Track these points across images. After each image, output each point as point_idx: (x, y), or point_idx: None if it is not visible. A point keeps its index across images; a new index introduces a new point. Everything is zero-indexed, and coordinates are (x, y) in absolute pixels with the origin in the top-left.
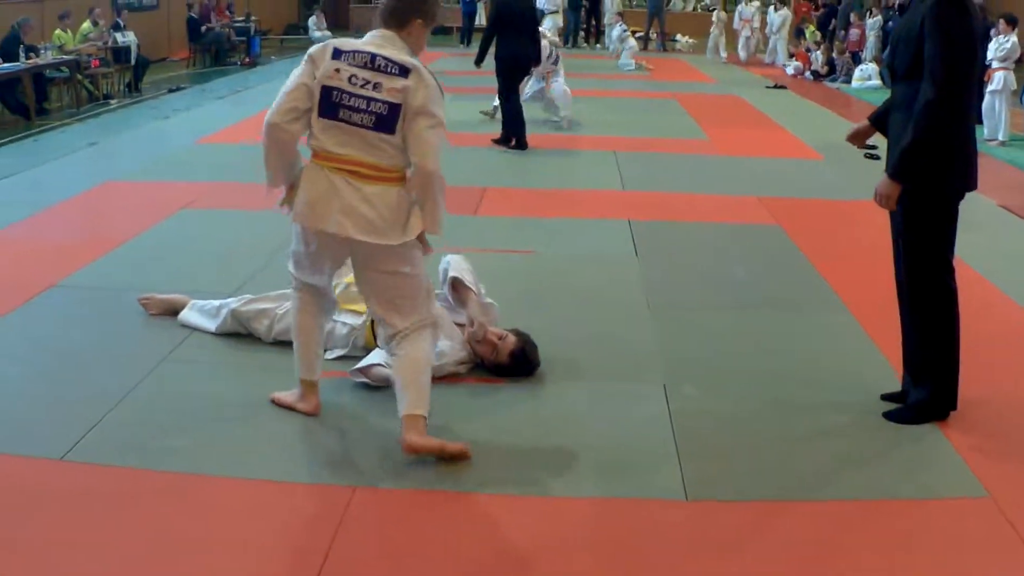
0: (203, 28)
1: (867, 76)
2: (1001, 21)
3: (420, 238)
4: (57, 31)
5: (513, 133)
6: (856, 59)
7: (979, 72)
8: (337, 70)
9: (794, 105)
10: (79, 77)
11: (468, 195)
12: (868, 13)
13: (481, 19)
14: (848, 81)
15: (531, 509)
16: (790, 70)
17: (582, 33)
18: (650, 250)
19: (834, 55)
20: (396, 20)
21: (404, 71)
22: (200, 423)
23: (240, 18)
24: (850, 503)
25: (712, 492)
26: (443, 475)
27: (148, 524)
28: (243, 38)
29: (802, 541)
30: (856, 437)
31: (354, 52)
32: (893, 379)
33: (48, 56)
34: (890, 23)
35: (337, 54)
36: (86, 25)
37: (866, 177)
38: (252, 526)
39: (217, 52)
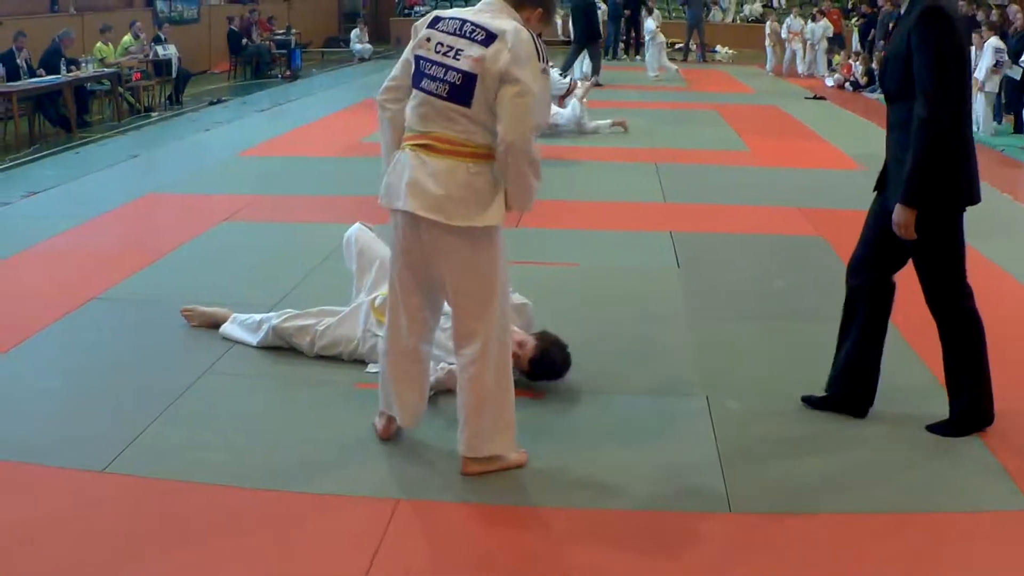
0: (244, 41)
1: None
2: None
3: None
4: (98, 44)
5: None
6: None
7: (969, 79)
8: (428, 39)
9: (834, 116)
10: (120, 90)
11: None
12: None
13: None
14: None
15: (575, 521)
16: (830, 81)
17: (622, 45)
18: (692, 262)
19: (873, 65)
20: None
21: (490, 38)
22: (242, 435)
23: (281, 31)
24: (891, 516)
25: (755, 504)
26: (486, 487)
27: (190, 536)
28: (284, 51)
29: (842, 552)
30: (896, 448)
31: (450, 19)
32: (935, 389)
33: (89, 69)
34: None
35: (435, 22)
36: (127, 38)
37: None
38: (294, 539)
39: (258, 65)
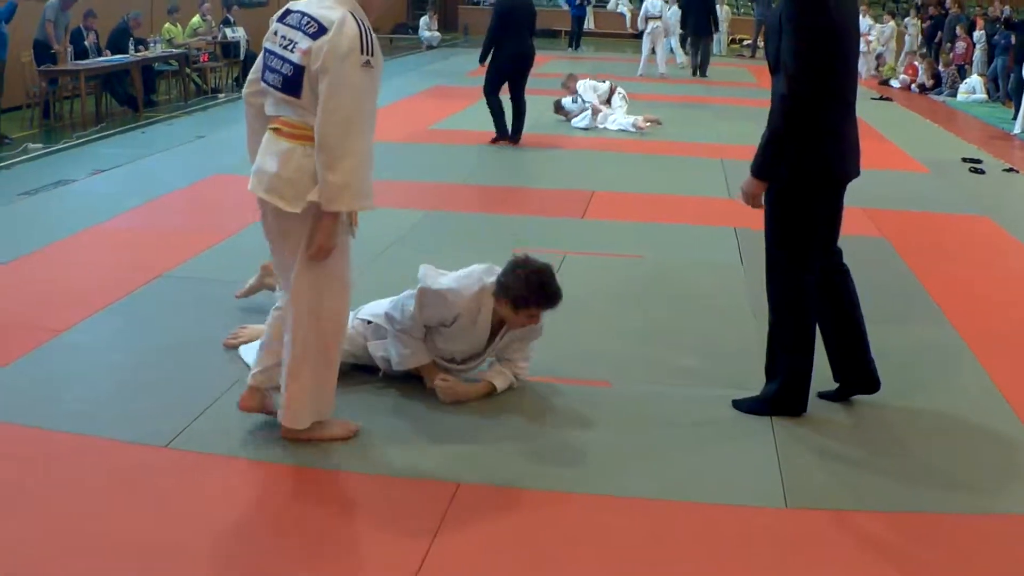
0: None
1: (972, 90)
2: None
3: (351, 217)
4: (167, 25)
5: (500, 128)
6: (961, 72)
7: (847, 59)
8: (275, 32)
9: (900, 117)
10: (187, 71)
11: (576, 198)
12: (973, 26)
13: (590, 23)
14: (953, 94)
15: (631, 511)
16: (896, 82)
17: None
18: (756, 258)
19: (940, 68)
20: None
21: (320, 31)
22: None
23: None
24: (946, 516)
25: (811, 500)
26: (542, 474)
27: (251, 511)
28: None
29: (896, 552)
30: (953, 450)
31: (294, 12)
32: (993, 392)
33: (157, 49)
34: (995, 36)
35: (284, 15)
36: (195, 19)
37: (972, 191)
38: (355, 518)
39: None
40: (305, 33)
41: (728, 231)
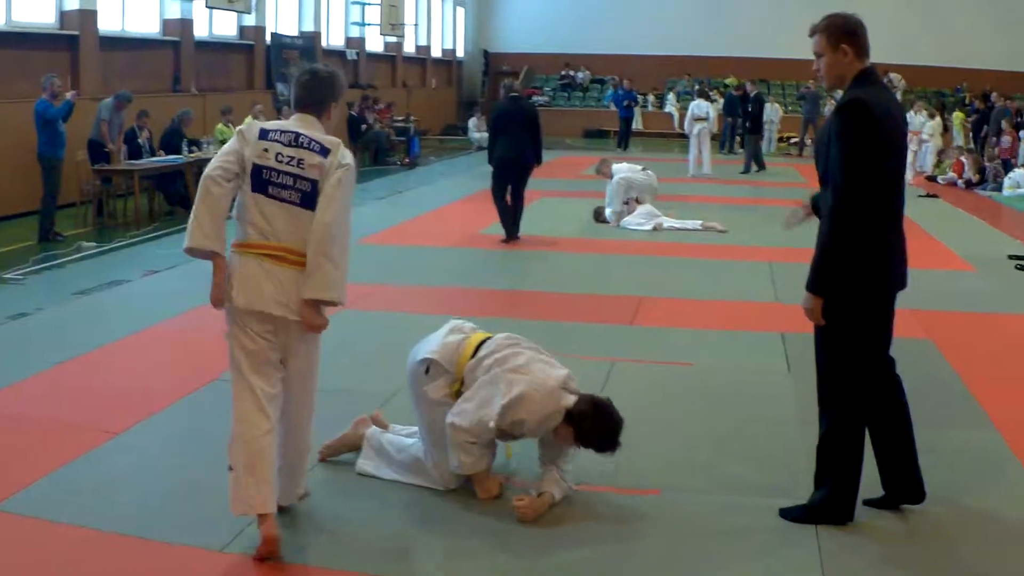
0: (363, 127)
1: (1017, 184)
2: None
3: (311, 308)
4: (219, 125)
5: (505, 228)
6: (1007, 166)
7: (895, 174)
8: (265, 149)
9: (946, 214)
10: None
11: (624, 304)
12: (1020, 119)
13: (638, 123)
14: (999, 189)
15: None
16: (942, 179)
17: (739, 139)
18: (803, 364)
19: (985, 162)
20: (316, 104)
21: (324, 151)
22: (354, 525)
23: (400, 118)
24: None
25: None
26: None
27: None
28: (403, 138)
29: None
30: (1001, 556)
31: (280, 131)
32: None
33: (210, 150)
34: None
35: (264, 133)
36: (248, 120)
37: (1019, 289)
38: None
39: (377, 151)
40: (313, 151)
41: (775, 337)
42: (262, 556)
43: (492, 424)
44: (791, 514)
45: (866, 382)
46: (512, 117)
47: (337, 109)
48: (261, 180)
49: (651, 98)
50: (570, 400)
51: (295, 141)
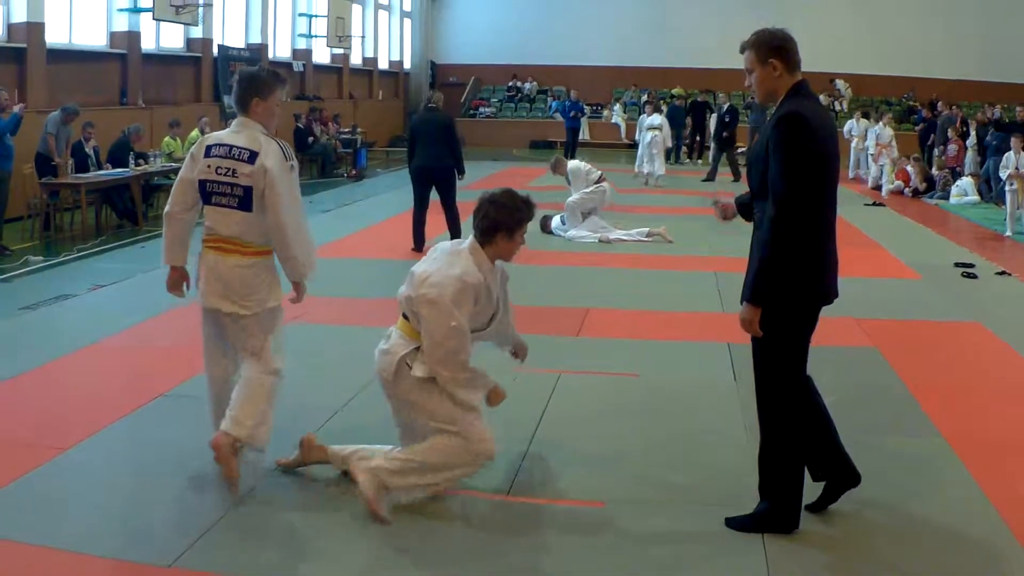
0: (310, 139)
1: (964, 192)
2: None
3: (296, 288)
4: (166, 138)
5: (415, 239)
6: (955, 175)
7: (830, 186)
8: (208, 165)
9: (892, 223)
10: None
11: (570, 316)
12: (966, 126)
13: (585, 134)
14: (946, 197)
15: None
16: (888, 187)
17: (685, 149)
18: (749, 374)
19: (933, 171)
20: (241, 105)
21: (252, 157)
22: (303, 538)
23: (347, 130)
24: None
25: None
26: None
27: None
28: (349, 150)
29: None
30: (944, 563)
31: (219, 145)
32: (984, 503)
33: (157, 163)
34: (987, 138)
35: (208, 151)
36: (195, 133)
37: (964, 296)
38: None
39: (324, 164)
40: (242, 161)
41: (722, 347)
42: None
43: (455, 327)
44: (737, 523)
45: (799, 390)
46: (428, 126)
47: (266, 105)
48: (206, 192)
49: (606, 111)
50: (465, 245)
51: (229, 153)
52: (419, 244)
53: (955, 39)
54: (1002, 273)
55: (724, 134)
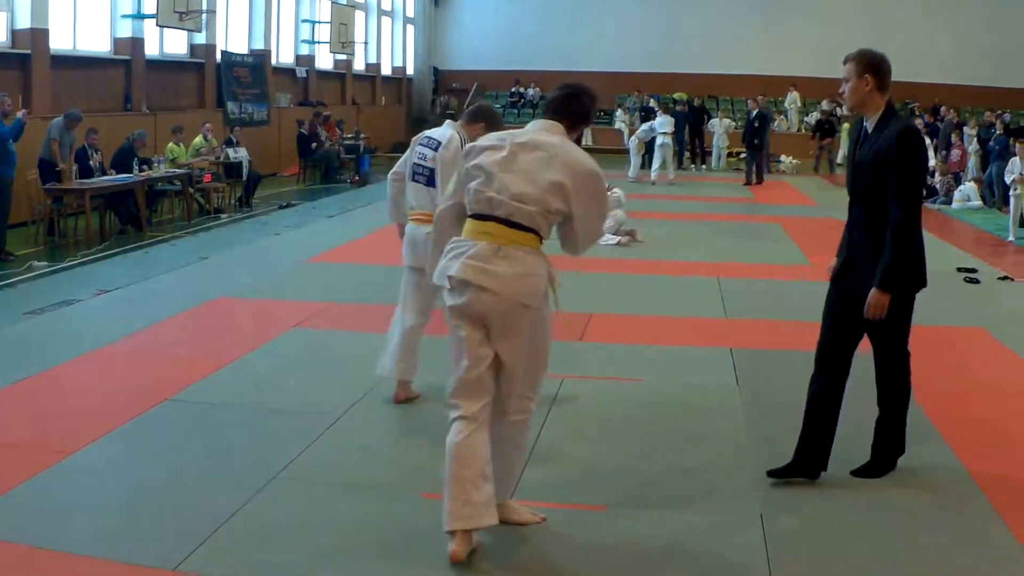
0: (313, 145)
1: (967, 197)
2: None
3: None
4: (170, 144)
5: None
6: (957, 180)
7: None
8: (414, 151)
9: None
10: (190, 190)
11: (573, 320)
12: (959, 134)
13: (588, 139)
14: (948, 202)
15: None
16: None
17: (687, 154)
18: (751, 379)
19: (936, 176)
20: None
21: (437, 145)
22: (308, 540)
23: (350, 135)
24: None
25: None
26: None
27: None
28: (352, 156)
29: None
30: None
31: (421, 137)
32: (994, 518)
33: (161, 169)
34: (990, 143)
35: (418, 142)
36: (198, 139)
37: (967, 301)
38: None
39: (327, 169)
40: (431, 148)
41: (724, 352)
42: None
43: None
44: (864, 472)
45: (908, 356)
46: None
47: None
48: (411, 170)
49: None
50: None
51: (427, 144)
52: None
53: (958, 44)
54: (1005, 278)
55: (755, 141)
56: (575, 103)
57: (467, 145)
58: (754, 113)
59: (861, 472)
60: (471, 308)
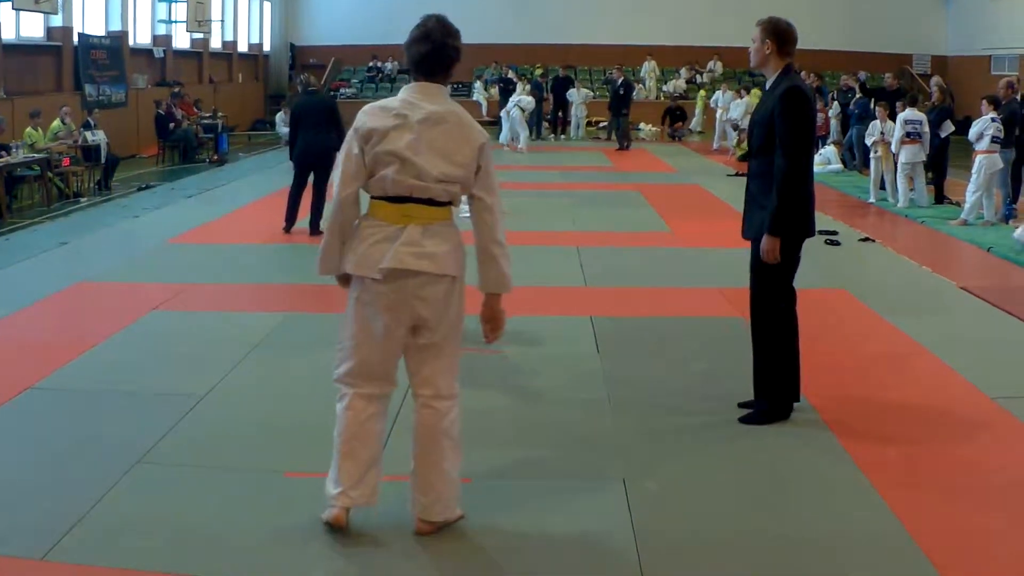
0: (171, 125)
1: (827, 160)
2: (983, 101)
3: None
4: (28, 129)
5: (288, 220)
6: (822, 142)
7: (812, 141)
8: None
9: None
10: (49, 175)
11: None
12: (830, 97)
13: None
14: None
15: None
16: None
17: (546, 124)
18: (612, 347)
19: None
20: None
21: None
22: (175, 523)
23: (207, 114)
24: None
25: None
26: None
27: None
28: (211, 135)
29: None
30: (805, 527)
31: None
32: (844, 457)
33: (19, 154)
34: (850, 107)
35: None
36: (56, 123)
37: (827, 263)
38: None
39: (186, 149)
40: None
41: (585, 321)
42: None
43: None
44: (748, 419)
45: (792, 306)
46: (311, 110)
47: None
48: None
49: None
50: None
51: None
52: (291, 225)
53: (818, 9)
54: (865, 239)
55: (622, 110)
56: (444, 56)
57: (364, 128)
58: (619, 81)
59: (750, 419)
60: (401, 303)
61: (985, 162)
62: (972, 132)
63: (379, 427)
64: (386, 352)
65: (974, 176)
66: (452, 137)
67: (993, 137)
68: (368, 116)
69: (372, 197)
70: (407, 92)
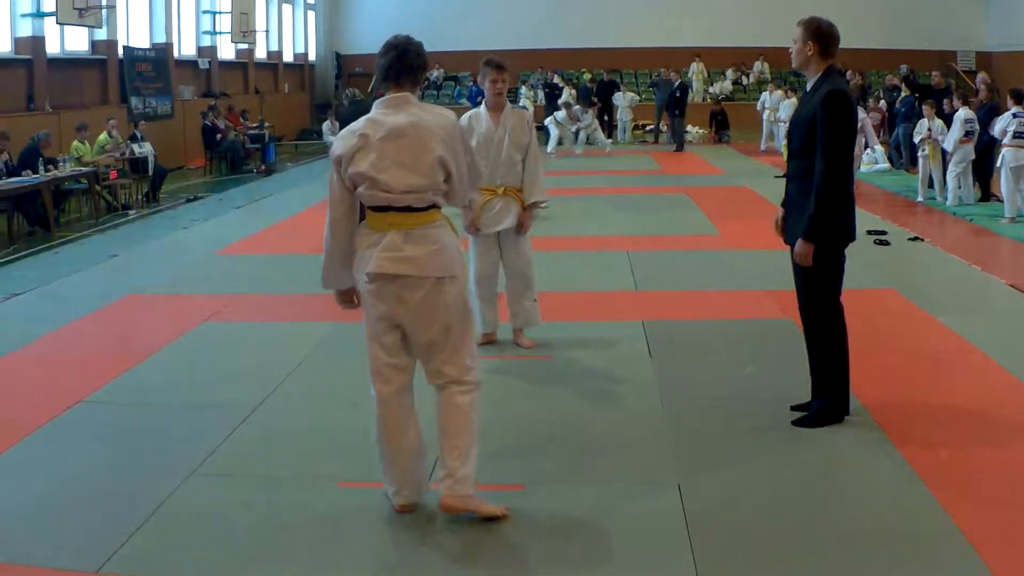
0: (218, 136)
1: (875, 160)
2: (1009, 96)
3: None
4: (75, 143)
5: None
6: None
7: (853, 145)
8: None
9: None
10: (97, 188)
11: None
12: (876, 98)
13: None
14: (857, 166)
15: None
16: None
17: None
18: (663, 350)
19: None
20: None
21: None
22: (229, 534)
23: (254, 125)
24: None
25: None
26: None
27: None
28: (257, 145)
29: None
30: (860, 530)
31: None
32: (898, 459)
33: (67, 168)
34: (896, 105)
35: None
36: (103, 136)
37: (877, 263)
38: None
39: (233, 160)
40: None
41: (636, 325)
42: None
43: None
44: (803, 422)
45: (840, 308)
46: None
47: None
48: None
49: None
50: None
51: None
52: None
53: (855, 6)
54: (915, 239)
55: (676, 112)
56: (407, 61)
57: (335, 155)
58: (676, 83)
59: (803, 422)
60: (388, 305)
61: (1008, 157)
62: (996, 128)
63: (408, 419)
64: (391, 351)
65: (1002, 173)
66: (412, 150)
67: (1016, 132)
68: (338, 141)
69: (365, 207)
70: (375, 108)
